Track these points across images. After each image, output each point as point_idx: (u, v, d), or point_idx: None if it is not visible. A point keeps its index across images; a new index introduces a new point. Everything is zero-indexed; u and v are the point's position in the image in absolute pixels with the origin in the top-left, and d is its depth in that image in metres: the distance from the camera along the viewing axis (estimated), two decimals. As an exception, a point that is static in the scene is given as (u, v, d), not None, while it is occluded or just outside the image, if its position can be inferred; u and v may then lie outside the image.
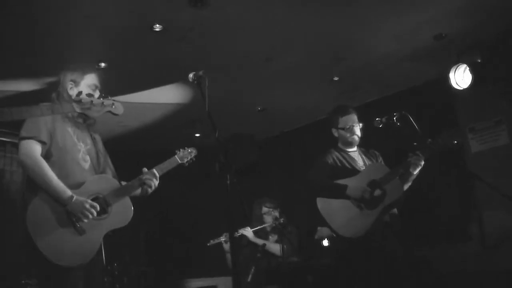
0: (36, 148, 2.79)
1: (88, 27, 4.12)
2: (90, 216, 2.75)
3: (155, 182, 3.07)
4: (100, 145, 3.16)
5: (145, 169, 3.09)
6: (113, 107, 2.62)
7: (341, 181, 3.64)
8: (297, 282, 4.75)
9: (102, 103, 2.51)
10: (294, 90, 5.73)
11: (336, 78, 5.43)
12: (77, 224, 2.73)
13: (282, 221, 5.00)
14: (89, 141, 3.07)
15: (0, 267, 5.30)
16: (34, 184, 2.75)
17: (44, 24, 4.00)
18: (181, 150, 3.30)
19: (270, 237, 5.32)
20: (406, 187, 3.72)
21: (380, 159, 3.99)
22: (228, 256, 5.21)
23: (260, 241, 5.17)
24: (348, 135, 3.87)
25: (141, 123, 6.45)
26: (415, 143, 3.59)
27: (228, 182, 2.49)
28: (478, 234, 4.66)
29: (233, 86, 5.44)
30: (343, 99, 4.85)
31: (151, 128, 6.63)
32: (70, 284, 2.68)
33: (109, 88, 4.80)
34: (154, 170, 3.09)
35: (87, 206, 2.74)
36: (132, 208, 2.97)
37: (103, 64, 4.70)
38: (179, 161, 3.26)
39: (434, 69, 5.16)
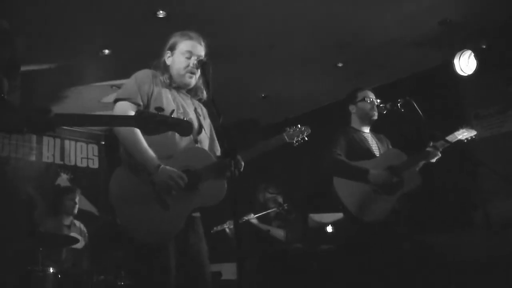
0: (129, 111, 2.52)
1: (92, 14, 4.10)
2: (176, 188, 2.46)
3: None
4: (202, 118, 2.89)
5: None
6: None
7: (359, 163, 3.56)
8: (301, 268, 4.76)
9: None
10: (298, 77, 5.71)
11: (340, 65, 5.41)
12: (161, 197, 2.47)
13: (286, 207, 5.00)
14: (191, 111, 2.82)
15: (6, 254, 5.32)
16: (116, 155, 2.59)
17: (48, 10, 3.99)
18: (291, 128, 3.12)
19: (274, 223, 5.31)
20: None
21: (390, 145, 3.94)
22: (232, 242, 5.21)
23: (264, 227, 5.16)
24: (369, 106, 3.76)
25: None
26: (435, 133, 3.58)
27: (232, 168, 2.48)
28: (483, 221, 4.66)
29: (237, 73, 5.42)
30: (347, 85, 4.82)
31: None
32: (161, 262, 2.46)
33: (112, 74, 4.78)
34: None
35: (174, 176, 2.45)
36: (226, 186, 2.66)
37: (107, 51, 4.69)
38: (287, 140, 3.10)
39: (439, 55, 5.12)
